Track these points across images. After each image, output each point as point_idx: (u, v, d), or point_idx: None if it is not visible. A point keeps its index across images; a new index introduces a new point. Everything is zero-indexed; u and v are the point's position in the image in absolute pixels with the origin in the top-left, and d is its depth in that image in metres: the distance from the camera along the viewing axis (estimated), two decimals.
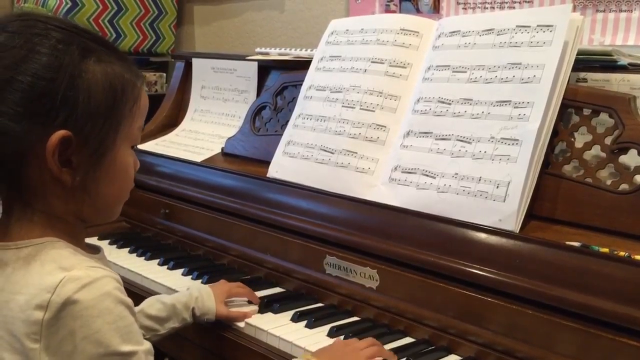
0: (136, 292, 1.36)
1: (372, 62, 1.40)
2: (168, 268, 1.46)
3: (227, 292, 1.23)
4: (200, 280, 1.37)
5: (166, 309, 1.16)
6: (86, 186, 0.84)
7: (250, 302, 1.26)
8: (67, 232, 0.85)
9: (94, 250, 0.90)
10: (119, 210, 0.92)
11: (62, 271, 0.78)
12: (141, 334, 0.84)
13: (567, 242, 1.02)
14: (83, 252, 0.85)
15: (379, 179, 1.29)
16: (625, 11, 1.52)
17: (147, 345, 0.82)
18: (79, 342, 0.76)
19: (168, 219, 1.65)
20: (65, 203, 0.84)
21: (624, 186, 1.05)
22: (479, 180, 1.14)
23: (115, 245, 1.62)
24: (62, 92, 0.79)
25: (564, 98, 1.13)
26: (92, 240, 1.62)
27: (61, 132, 0.79)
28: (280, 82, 1.63)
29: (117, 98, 0.84)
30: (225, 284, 1.26)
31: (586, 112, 1.13)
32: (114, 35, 2.43)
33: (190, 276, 1.40)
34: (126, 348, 0.78)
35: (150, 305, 1.16)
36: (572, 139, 1.13)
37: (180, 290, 1.28)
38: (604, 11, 1.55)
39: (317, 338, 1.13)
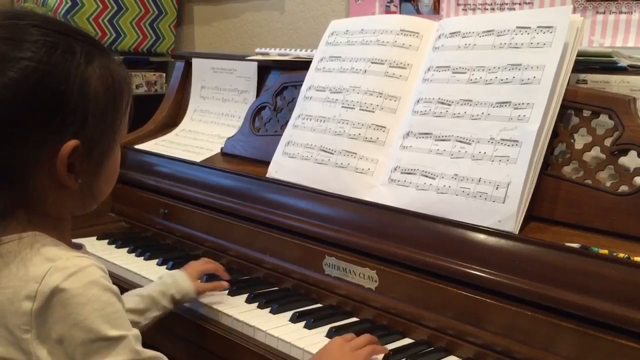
0: None
1: (372, 62, 1.40)
2: (167, 268, 1.45)
3: (198, 270, 1.30)
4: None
5: (144, 301, 1.17)
6: (88, 188, 0.86)
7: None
8: (54, 227, 0.86)
9: (77, 247, 0.91)
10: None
11: (48, 262, 0.79)
12: (129, 320, 0.84)
13: (567, 244, 1.02)
14: (66, 246, 0.86)
15: (378, 179, 1.29)
16: (625, 13, 1.53)
17: (136, 331, 0.84)
18: (68, 330, 0.77)
19: (167, 218, 1.65)
20: (65, 204, 0.86)
21: (623, 188, 1.05)
22: (479, 181, 1.14)
23: (114, 245, 1.61)
24: (73, 102, 0.81)
25: (563, 99, 1.13)
26: (91, 240, 1.63)
27: (72, 142, 0.81)
28: (280, 82, 1.62)
29: (116, 98, 0.87)
30: (194, 264, 1.32)
31: (586, 113, 1.12)
32: (114, 35, 2.43)
33: None
34: (115, 333, 0.80)
35: (126, 301, 1.17)
36: (572, 141, 1.13)
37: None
38: (604, 13, 1.55)
39: (316, 339, 1.13)
